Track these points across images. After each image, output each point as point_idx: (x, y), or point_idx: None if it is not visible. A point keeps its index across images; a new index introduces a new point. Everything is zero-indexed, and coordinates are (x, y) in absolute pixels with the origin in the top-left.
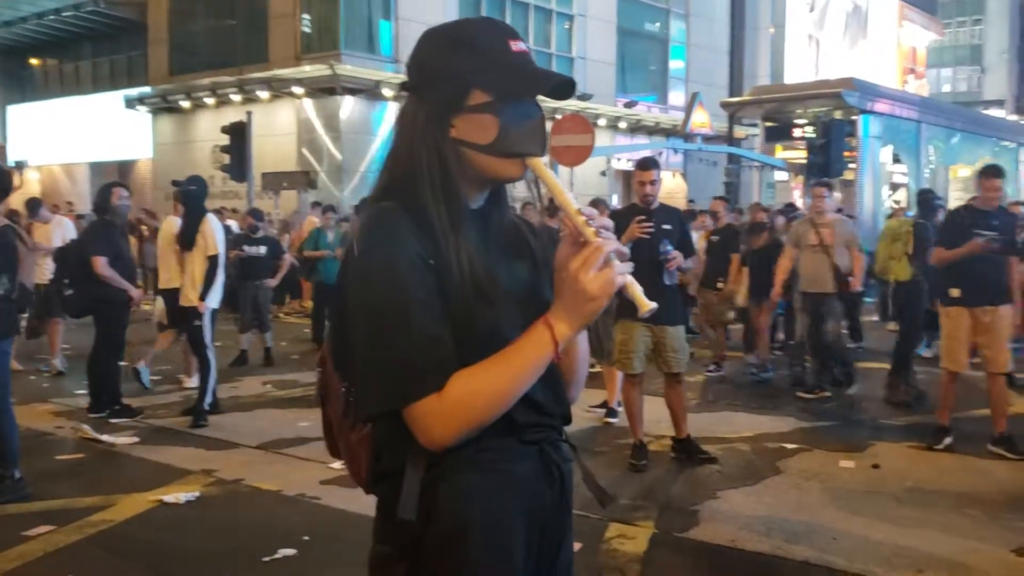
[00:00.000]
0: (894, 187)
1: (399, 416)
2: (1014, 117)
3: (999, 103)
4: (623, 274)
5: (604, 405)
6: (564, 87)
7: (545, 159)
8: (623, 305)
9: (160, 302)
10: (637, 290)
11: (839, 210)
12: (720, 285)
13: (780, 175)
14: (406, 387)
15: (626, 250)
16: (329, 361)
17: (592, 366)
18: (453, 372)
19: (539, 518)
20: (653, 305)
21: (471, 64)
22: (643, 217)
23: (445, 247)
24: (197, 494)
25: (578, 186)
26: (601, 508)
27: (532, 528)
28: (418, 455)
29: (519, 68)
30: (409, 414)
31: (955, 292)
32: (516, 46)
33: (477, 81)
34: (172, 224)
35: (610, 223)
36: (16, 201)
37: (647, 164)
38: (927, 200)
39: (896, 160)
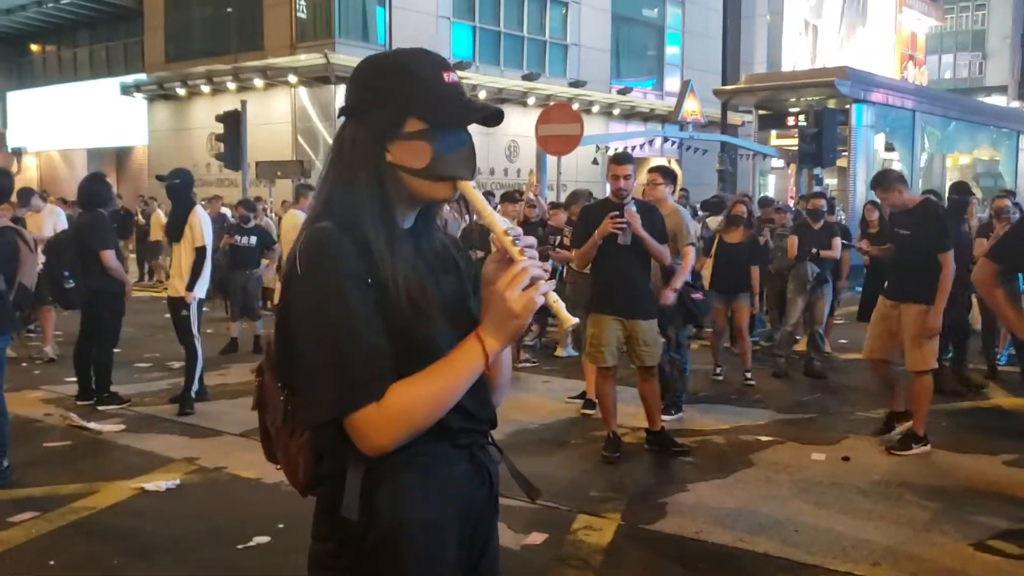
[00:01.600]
0: None
1: (341, 423)
2: (1017, 103)
3: (1001, 89)
4: (545, 292)
5: (583, 395)
6: (494, 117)
7: (472, 183)
8: (594, 298)
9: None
10: (560, 306)
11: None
12: None
13: (777, 162)
14: (349, 396)
15: (547, 270)
16: (268, 371)
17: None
18: (392, 382)
19: (472, 516)
20: (575, 320)
21: (409, 93)
22: (616, 213)
23: (382, 266)
24: (177, 482)
25: (568, 174)
26: (530, 501)
27: (465, 526)
28: (358, 459)
29: (453, 99)
30: (350, 422)
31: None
32: (448, 77)
33: (415, 109)
34: (295, 217)
35: (533, 241)
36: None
37: (622, 159)
38: (960, 193)
39: (890, 148)
